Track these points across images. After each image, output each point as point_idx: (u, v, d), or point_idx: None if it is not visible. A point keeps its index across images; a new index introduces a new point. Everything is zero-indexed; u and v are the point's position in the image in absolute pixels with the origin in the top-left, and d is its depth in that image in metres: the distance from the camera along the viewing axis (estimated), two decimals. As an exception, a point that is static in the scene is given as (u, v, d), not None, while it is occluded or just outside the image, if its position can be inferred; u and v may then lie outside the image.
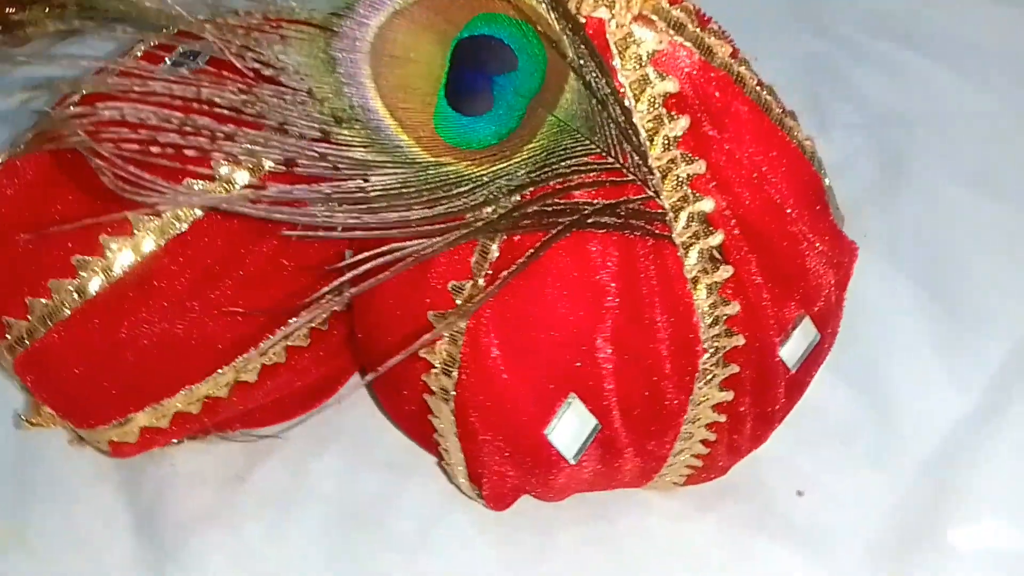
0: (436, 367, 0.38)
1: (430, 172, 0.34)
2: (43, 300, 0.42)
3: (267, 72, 0.33)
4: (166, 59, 0.40)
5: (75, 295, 0.42)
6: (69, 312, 0.42)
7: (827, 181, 0.40)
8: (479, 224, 0.34)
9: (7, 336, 0.42)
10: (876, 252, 0.59)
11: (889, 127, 0.66)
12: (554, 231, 0.34)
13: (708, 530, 0.49)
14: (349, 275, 0.33)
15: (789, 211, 0.37)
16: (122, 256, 0.42)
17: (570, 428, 0.38)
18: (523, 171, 0.34)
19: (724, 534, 0.49)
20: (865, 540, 0.49)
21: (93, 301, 0.42)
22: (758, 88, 0.37)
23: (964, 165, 0.63)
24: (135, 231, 0.42)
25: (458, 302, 0.37)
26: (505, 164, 0.34)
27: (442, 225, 0.33)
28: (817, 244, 0.38)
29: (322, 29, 0.34)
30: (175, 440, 0.48)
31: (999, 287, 0.57)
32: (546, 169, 0.34)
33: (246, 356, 0.45)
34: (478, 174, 0.34)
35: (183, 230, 0.42)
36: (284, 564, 0.49)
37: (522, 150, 0.34)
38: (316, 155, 0.32)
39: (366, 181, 0.32)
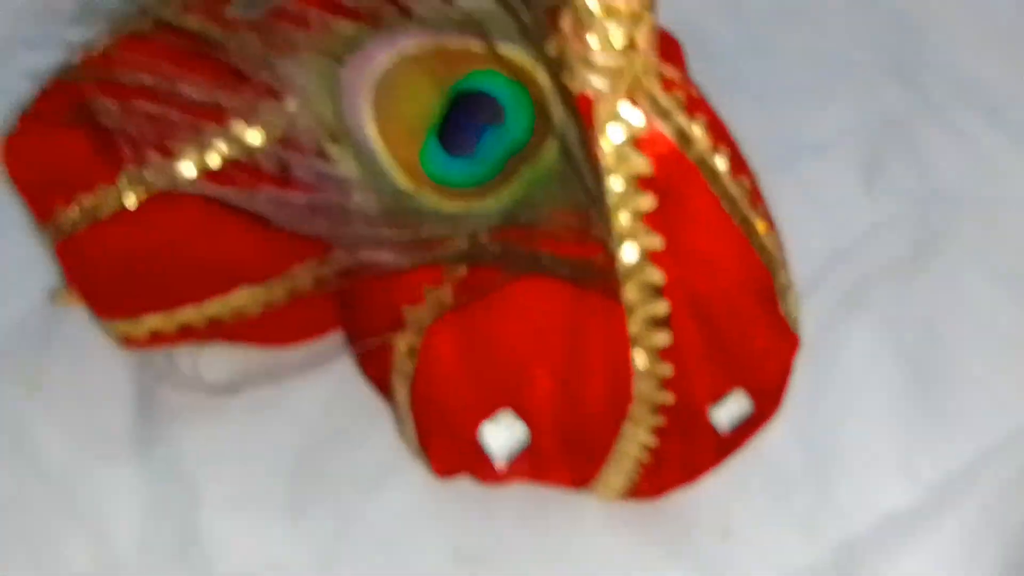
0: (402, 351, 0.43)
1: (409, 200, 0.37)
2: (89, 198, 0.47)
3: (276, 86, 0.37)
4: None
5: (115, 200, 0.47)
6: (109, 215, 0.47)
7: (783, 279, 0.43)
8: (446, 254, 0.38)
9: (54, 222, 0.48)
10: (876, 329, 0.60)
11: (939, 203, 0.64)
12: (512, 271, 0.38)
13: (630, 544, 0.53)
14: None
15: (736, 299, 0.40)
16: (161, 177, 0.47)
17: (501, 438, 0.43)
18: (494, 213, 0.38)
19: (641, 554, 0.53)
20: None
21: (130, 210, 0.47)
22: (731, 182, 0.39)
23: (1000, 262, 0.63)
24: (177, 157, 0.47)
25: (430, 300, 0.41)
26: (479, 204, 0.38)
27: (413, 249, 0.37)
28: (759, 333, 0.41)
29: (334, 58, 0.37)
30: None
31: (989, 394, 0.58)
32: (516, 215, 0.38)
33: (251, 290, 0.50)
34: (452, 209, 0.38)
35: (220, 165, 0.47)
36: (247, 468, 0.55)
37: (496, 194, 0.38)
38: (308, 166, 0.36)
39: (349, 198, 0.37)
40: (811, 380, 0.57)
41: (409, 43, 0.37)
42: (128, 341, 0.52)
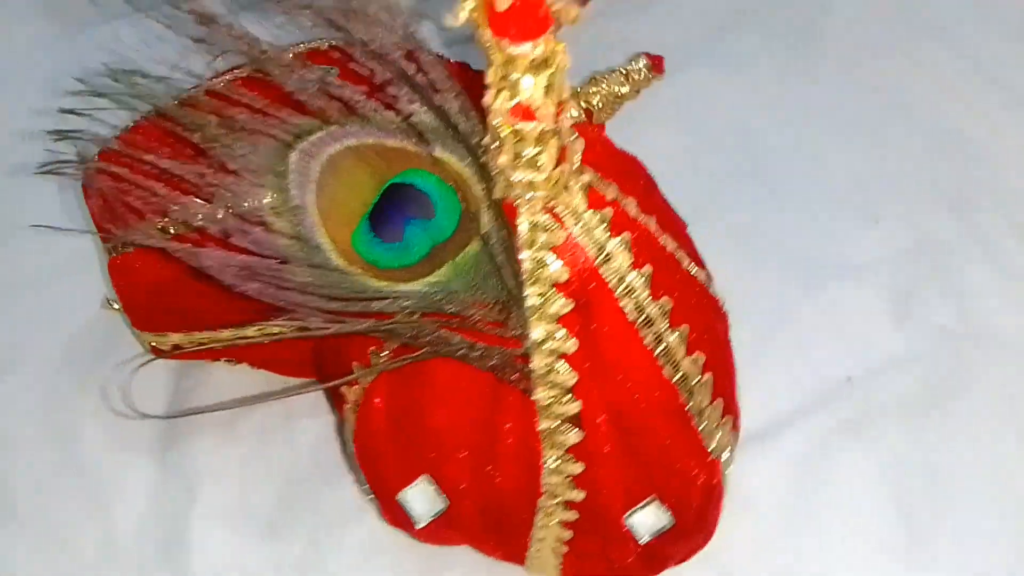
0: (349, 404, 0.47)
1: (338, 274, 0.42)
2: (136, 229, 0.54)
3: (231, 165, 0.42)
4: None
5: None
6: (154, 243, 0.54)
7: (697, 402, 0.43)
8: (374, 328, 0.41)
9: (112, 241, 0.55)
10: (872, 461, 0.59)
11: (968, 345, 0.62)
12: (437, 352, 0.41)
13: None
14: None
15: (645, 412, 0.42)
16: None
17: (421, 502, 0.46)
18: (416, 295, 0.41)
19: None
20: None
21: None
22: (646, 300, 0.41)
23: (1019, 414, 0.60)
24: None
25: (373, 361, 0.45)
26: (403, 287, 0.41)
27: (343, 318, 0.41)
28: (672, 449, 0.42)
29: (285, 144, 0.42)
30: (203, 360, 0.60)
31: (979, 556, 0.56)
32: (436, 300, 0.41)
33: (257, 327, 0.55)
34: (377, 287, 0.42)
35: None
36: (242, 485, 0.59)
37: (419, 280, 0.41)
38: (249, 235, 0.41)
39: (283, 264, 0.41)
40: (802, 498, 0.57)
41: (353, 137, 0.42)
42: (155, 351, 0.58)
